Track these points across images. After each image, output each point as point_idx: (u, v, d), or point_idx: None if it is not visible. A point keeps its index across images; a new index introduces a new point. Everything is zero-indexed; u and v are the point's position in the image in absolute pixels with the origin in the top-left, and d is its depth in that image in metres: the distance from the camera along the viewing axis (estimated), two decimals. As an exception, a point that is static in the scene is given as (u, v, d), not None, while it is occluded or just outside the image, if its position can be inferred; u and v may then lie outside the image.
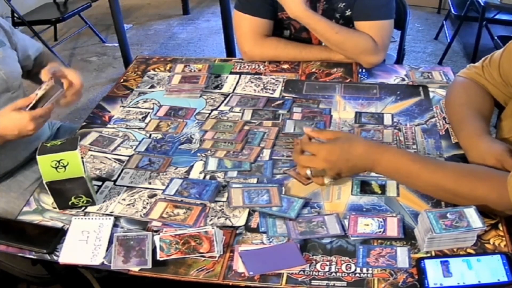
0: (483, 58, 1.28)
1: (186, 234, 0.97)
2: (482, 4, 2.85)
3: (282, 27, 1.67)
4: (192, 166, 1.19)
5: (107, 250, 0.97)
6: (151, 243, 0.96)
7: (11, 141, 1.22)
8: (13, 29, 1.48)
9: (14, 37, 1.46)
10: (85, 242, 0.98)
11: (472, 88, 1.25)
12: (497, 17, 3.08)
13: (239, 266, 0.92)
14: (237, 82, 1.54)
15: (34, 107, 1.18)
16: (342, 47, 1.55)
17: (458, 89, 1.28)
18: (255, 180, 1.13)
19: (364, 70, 1.57)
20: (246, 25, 1.61)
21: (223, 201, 1.08)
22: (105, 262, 0.95)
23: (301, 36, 1.66)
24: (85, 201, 1.07)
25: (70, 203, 1.06)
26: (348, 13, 1.57)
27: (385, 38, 1.55)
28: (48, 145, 1.02)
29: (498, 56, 1.22)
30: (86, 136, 1.32)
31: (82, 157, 1.03)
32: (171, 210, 1.06)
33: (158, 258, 0.93)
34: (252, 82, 1.54)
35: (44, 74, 1.24)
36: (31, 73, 1.52)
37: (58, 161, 1.00)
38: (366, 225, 0.99)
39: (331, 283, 0.88)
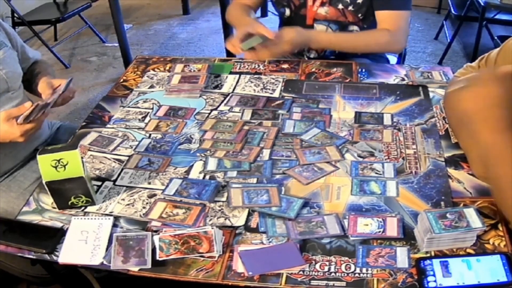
0: (479, 58, 1.27)
1: (186, 234, 0.97)
2: (482, 4, 2.85)
3: (282, 5, 1.73)
4: (191, 166, 1.19)
5: (106, 250, 0.97)
6: (150, 243, 0.96)
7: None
8: (13, 31, 1.48)
9: (16, 39, 1.46)
10: (84, 242, 0.98)
11: None
12: (497, 17, 3.08)
13: (238, 266, 0.92)
14: (237, 82, 1.54)
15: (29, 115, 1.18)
16: (369, 49, 1.69)
17: None
18: (254, 180, 1.13)
19: (363, 70, 1.57)
20: None
21: (223, 201, 1.08)
22: (105, 262, 0.95)
23: (300, 13, 1.71)
24: (84, 201, 1.07)
25: (69, 203, 1.06)
26: (359, 0, 1.61)
27: (404, 26, 1.63)
28: (49, 148, 1.03)
29: (494, 57, 1.21)
30: (86, 136, 1.32)
31: (81, 157, 1.04)
32: (171, 210, 1.06)
33: (157, 258, 0.93)
34: (251, 82, 1.54)
35: (43, 89, 1.31)
36: (23, 78, 1.50)
37: (58, 160, 1.00)
38: (366, 225, 0.99)
39: (331, 283, 0.88)
